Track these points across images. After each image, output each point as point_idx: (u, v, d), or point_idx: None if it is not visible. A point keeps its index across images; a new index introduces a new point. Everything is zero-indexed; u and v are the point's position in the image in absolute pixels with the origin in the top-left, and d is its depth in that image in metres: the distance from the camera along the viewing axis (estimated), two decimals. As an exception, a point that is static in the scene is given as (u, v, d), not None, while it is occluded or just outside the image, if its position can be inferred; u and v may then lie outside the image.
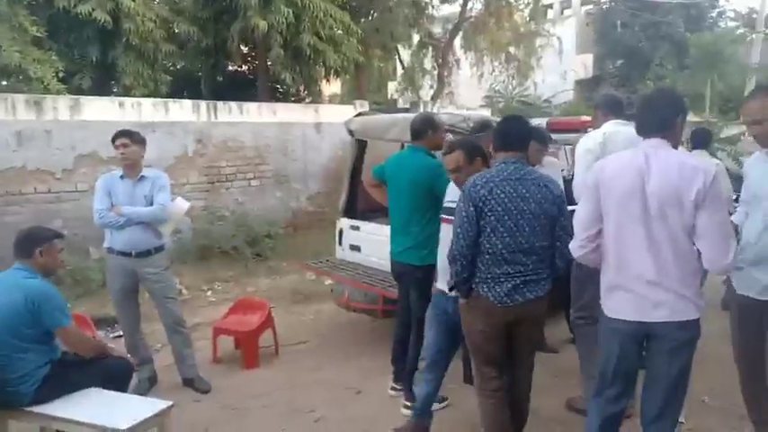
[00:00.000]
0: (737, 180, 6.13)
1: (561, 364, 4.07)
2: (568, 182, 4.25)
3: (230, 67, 13.08)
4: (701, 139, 5.53)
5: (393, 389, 3.76)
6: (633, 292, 2.27)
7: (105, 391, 2.88)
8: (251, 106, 8.77)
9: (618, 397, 2.42)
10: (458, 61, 16.91)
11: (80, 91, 9.18)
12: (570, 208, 2.67)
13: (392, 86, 19.02)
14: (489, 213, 2.53)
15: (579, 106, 16.93)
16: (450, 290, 2.81)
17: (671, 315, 2.23)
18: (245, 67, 13.35)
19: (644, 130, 2.35)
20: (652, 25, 21.06)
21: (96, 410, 2.69)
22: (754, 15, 19.01)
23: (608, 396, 2.43)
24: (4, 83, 9.02)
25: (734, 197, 5.37)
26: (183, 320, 3.92)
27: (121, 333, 4.00)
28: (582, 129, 5.59)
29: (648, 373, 2.36)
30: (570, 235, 2.52)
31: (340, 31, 11.45)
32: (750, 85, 15.32)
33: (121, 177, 3.70)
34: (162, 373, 3.98)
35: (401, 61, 17.13)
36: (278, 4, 10.11)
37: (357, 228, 5.04)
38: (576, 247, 2.44)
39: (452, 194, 2.95)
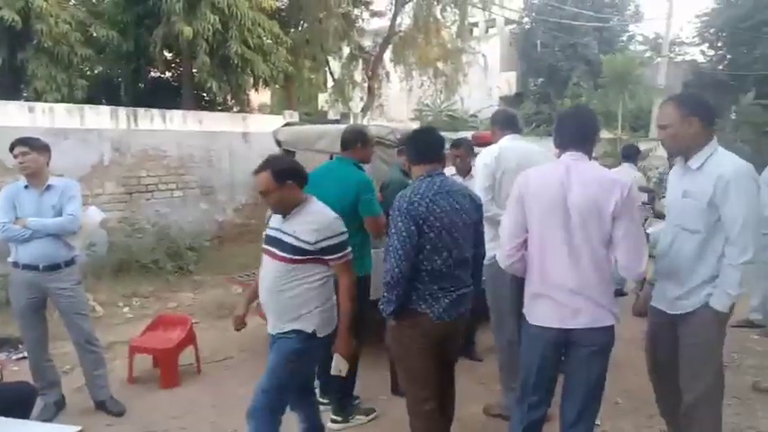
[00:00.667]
0: (646, 192, 6.62)
1: (486, 372, 4.17)
2: None
3: (153, 74, 12.61)
4: (630, 154, 6.19)
5: (320, 403, 3.70)
6: (555, 300, 2.37)
7: (4, 419, 2.65)
8: (175, 114, 8.47)
9: (539, 403, 2.50)
10: (387, 74, 17.14)
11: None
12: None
13: (322, 98, 18.99)
14: (428, 230, 2.45)
15: (503, 121, 17.52)
16: (380, 313, 2.64)
17: (591, 322, 2.34)
18: (168, 74, 12.92)
19: (564, 144, 2.47)
20: (569, 46, 22.30)
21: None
22: (660, 40, 20.56)
23: (530, 403, 2.50)
24: None
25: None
26: (95, 339, 3.68)
27: (26, 354, 3.71)
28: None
29: (567, 379, 2.46)
30: (482, 246, 2.66)
31: (269, 41, 11.32)
32: (657, 105, 16.54)
33: (26, 187, 3.44)
34: (72, 396, 3.73)
35: (331, 73, 17.15)
36: (203, 10, 9.87)
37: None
38: (503, 257, 2.52)
39: (275, 222, 2.70)
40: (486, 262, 2.84)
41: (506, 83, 23.87)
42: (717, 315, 2.43)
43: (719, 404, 2.57)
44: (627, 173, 6.00)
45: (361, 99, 17.29)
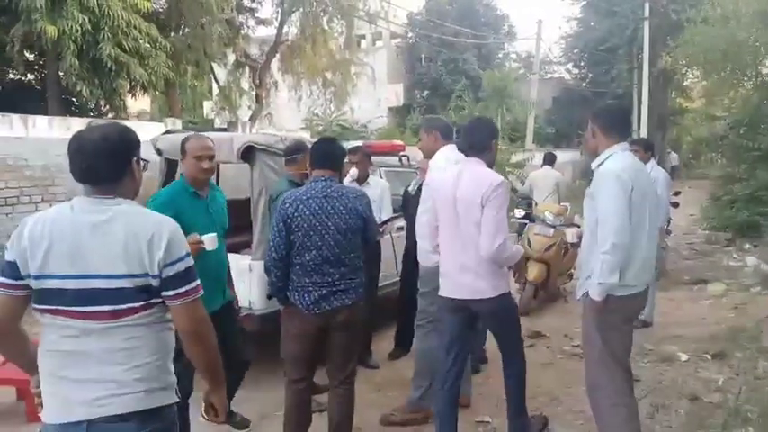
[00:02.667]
0: (523, 197, 7.18)
1: (382, 379, 4.20)
2: (413, 196, 4.46)
3: (11, 76, 11.43)
4: (551, 159, 7.86)
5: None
6: (451, 276, 2.95)
7: None
8: (38, 120, 7.72)
9: (455, 359, 3.03)
10: (276, 83, 16.92)
11: None
12: None
13: (208, 106, 18.31)
14: (296, 229, 2.75)
15: (392, 131, 18.04)
16: (269, 297, 3.10)
17: (471, 293, 2.90)
18: (30, 77, 11.78)
19: (463, 151, 3.03)
20: (451, 61, 23.42)
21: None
22: (531, 59, 22.23)
23: (450, 358, 3.02)
24: None
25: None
26: None
27: None
28: (394, 152, 5.95)
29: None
30: (369, 243, 2.98)
31: (147, 44, 10.72)
32: (531, 118, 17.84)
33: None
34: None
35: (216, 80, 16.60)
36: (70, 8, 9.13)
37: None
38: (427, 258, 3.21)
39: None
40: (435, 263, 3.17)
41: (394, 94, 24.52)
42: (592, 302, 2.66)
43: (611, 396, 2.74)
44: (547, 174, 7.64)
45: (249, 107, 16.89)
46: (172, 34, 12.65)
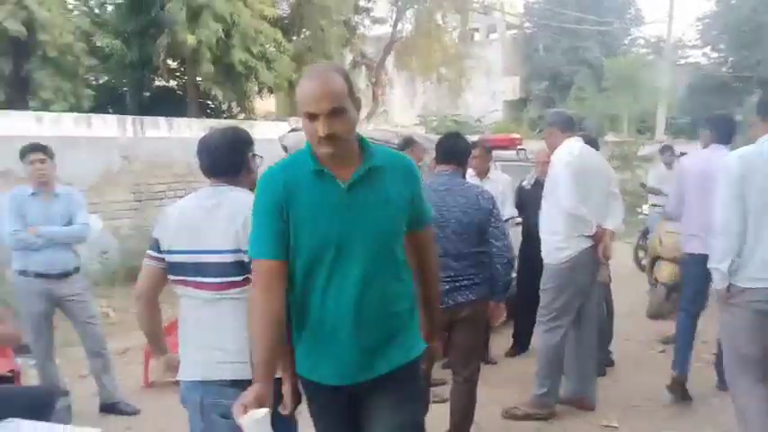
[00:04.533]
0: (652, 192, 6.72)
1: (500, 375, 4.16)
2: (528, 191, 4.42)
3: (158, 83, 12.68)
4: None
5: None
6: None
7: (26, 422, 2.66)
8: (180, 122, 8.52)
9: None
10: (391, 81, 17.21)
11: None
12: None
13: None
14: None
15: (508, 125, 17.64)
16: None
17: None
18: (173, 83, 12.99)
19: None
20: (571, 50, 22.36)
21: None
22: (662, 43, 20.60)
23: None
24: None
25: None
26: (104, 344, 3.69)
27: (35, 361, 3.72)
28: (511, 146, 5.84)
29: None
30: (499, 241, 2.79)
31: (272, 49, 11.39)
32: (662, 107, 16.56)
33: (32, 195, 3.45)
34: (90, 400, 3.73)
35: (335, 80, 17.22)
36: (206, 19, 9.94)
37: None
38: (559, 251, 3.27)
39: None
40: (563, 260, 3.18)
41: (510, 87, 23.94)
42: (716, 292, 2.67)
43: None
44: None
45: (365, 105, 17.36)
46: (294, 38, 13.33)
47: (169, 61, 11.57)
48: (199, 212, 1.92)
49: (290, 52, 11.82)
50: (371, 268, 1.62)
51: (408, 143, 4.13)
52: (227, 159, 1.97)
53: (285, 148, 5.28)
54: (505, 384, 3.98)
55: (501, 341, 4.67)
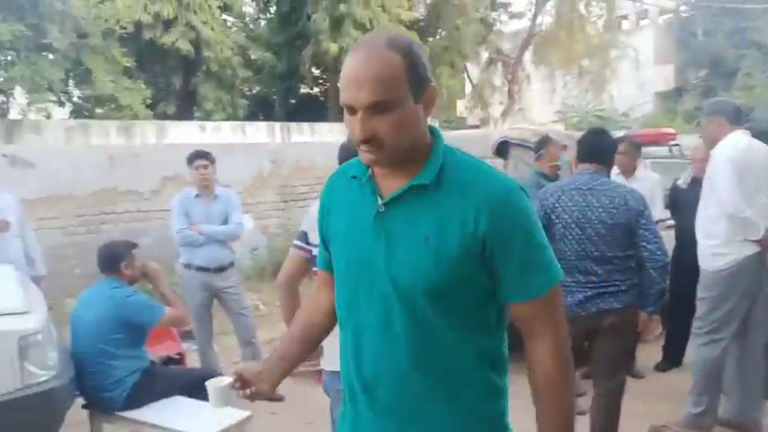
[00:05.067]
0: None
1: (647, 390, 3.85)
2: (684, 191, 4.06)
3: (303, 90, 13.54)
4: None
5: None
6: None
7: (189, 400, 2.99)
8: (322, 127, 9.00)
9: None
10: (528, 77, 16.67)
11: (165, 116, 9.79)
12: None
13: (461, 104, 19.00)
14: (557, 221, 2.62)
15: (659, 119, 16.22)
16: None
17: None
18: (316, 90, 13.79)
19: None
20: (737, 32, 19.91)
21: (181, 417, 2.79)
22: None
23: None
24: (99, 110, 9.76)
25: None
26: (254, 334, 4.02)
27: (197, 347, 4.15)
28: (662, 141, 5.35)
29: None
30: (652, 244, 2.54)
31: (408, 52, 11.62)
32: None
33: (196, 196, 3.87)
34: (239, 385, 4.09)
35: (470, 78, 17.10)
36: (347, 27, 10.42)
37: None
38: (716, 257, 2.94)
39: None
40: (723, 266, 2.89)
41: (662, 77, 21.97)
42: None
43: None
44: None
45: (501, 103, 17.01)
46: (430, 39, 13.46)
47: (313, 69, 12.31)
48: None
49: (425, 54, 11.96)
50: (387, 345, 1.16)
51: (545, 142, 3.98)
52: None
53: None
54: (653, 400, 3.67)
55: (650, 353, 4.31)
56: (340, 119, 10.64)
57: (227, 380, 1.57)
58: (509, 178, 1.20)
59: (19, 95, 9.61)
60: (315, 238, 2.05)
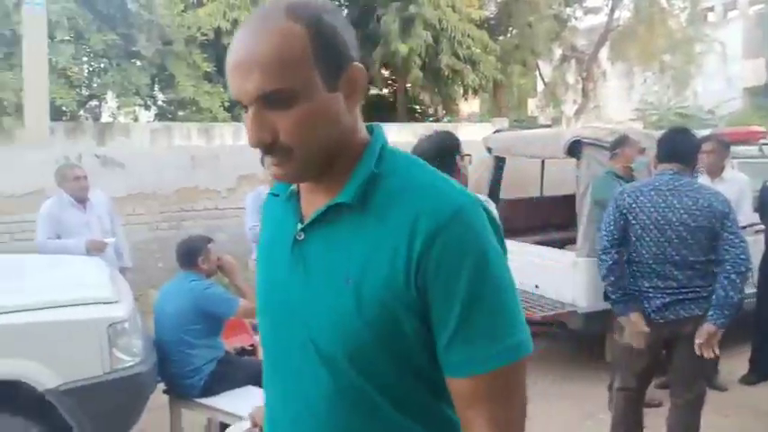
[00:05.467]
0: None
1: (731, 404, 3.64)
2: None
3: (372, 91, 13.70)
4: None
5: None
6: None
7: (260, 390, 3.12)
8: (391, 127, 9.08)
9: None
10: (604, 74, 16.07)
11: (241, 118, 10.20)
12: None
13: (532, 103, 18.57)
14: (634, 222, 2.56)
15: (748, 116, 15.18)
16: (606, 299, 2.92)
17: None
18: (385, 91, 13.90)
19: None
20: (840, 21, 18.29)
21: (252, 407, 2.91)
22: None
23: None
24: (181, 113, 10.30)
25: None
26: None
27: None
28: (751, 140, 5.02)
29: None
30: (735, 248, 2.40)
31: (478, 50, 11.50)
32: None
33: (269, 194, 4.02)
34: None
35: (542, 77, 16.69)
36: (417, 28, 10.43)
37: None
38: None
39: None
40: None
41: (752, 72, 20.52)
42: None
43: None
44: None
45: (574, 102, 16.48)
46: (500, 37, 13.25)
47: (383, 71, 12.41)
48: None
49: (495, 52, 11.79)
50: (304, 418, 0.86)
51: (621, 141, 3.83)
52: (431, 165, 2.08)
53: (489, 150, 5.30)
54: (737, 414, 3.48)
55: (735, 365, 4.07)
56: (409, 119, 10.75)
57: (245, 425, 1.63)
58: (464, 192, 0.84)
59: (110, 100, 10.31)
60: None
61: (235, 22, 10.32)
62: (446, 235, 0.77)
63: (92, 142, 6.83)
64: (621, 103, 16.75)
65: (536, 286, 4.49)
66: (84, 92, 9.88)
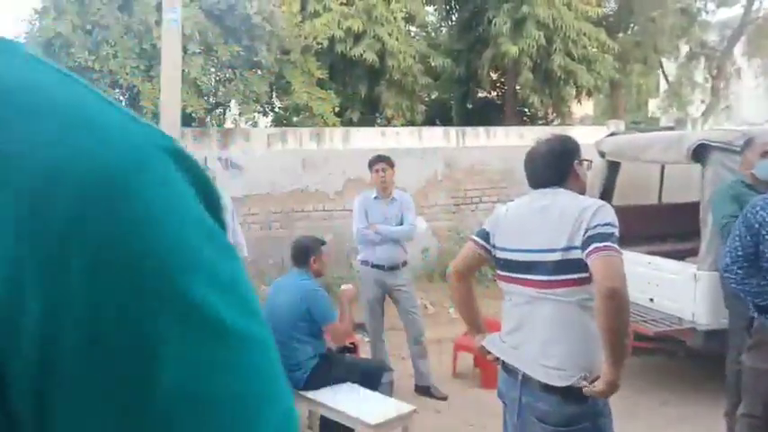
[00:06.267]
0: None
1: None
2: None
3: (480, 95, 13.54)
4: None
5: None
6: None
7: (360, 387, 3.22)
8: (498, 130, 8.93)
9: None
10: (738, 71, 14.64)
11: (350, 123, 10.52)
12: None
13: (654, 104, 17.36)
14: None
15: None
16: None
17: None
18: (493, 94, 13.68)
19: None
20: None
21: (351, 403, 3.02)
22: None
23: None
24: (295, 118, 10.86)
25: None
26: (423, 332, 4.15)
27: (368, 339, 4.42)
28: None
29: None
30: None
31: (594, 49, 10.97)
32: None
33: (375, 198, 4.12)
34: (405, 380, 4.27)
35: (665, 75, 15.55)
36: (529, 28, 10.17)
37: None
38: None
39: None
40: None
41: None
42: None
43: None
44: None
45: (702, 102, 15.18)
46: (620, 35, 12.54)
47: (491, 74, 12.24)
48: (528, 213, 2.00)
49: (613, 51, 11.18)
50: None
51: (745, 145, 3.46)
52: (550, 169, 2.02)
53: (602, 154, 5.05)
54: None
55: None
56: (516, 123, 10.48)
57: None
58: (138, 128, 0.33)
59: (233, 107, 11.11)
60: (499, 240, 2.04)
61: (348, 31, 10.71)
62: (93, 245, 0.28)
63: (216, 146, 7.41)
64: (759, 103, 15.15)
65: (650, 299, 4.22)
66: (212, 100, 10.74)
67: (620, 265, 1.72)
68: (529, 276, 1.90)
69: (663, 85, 16.13)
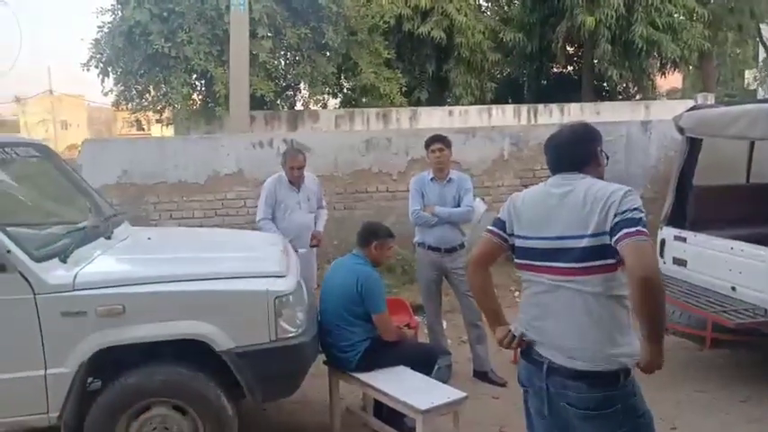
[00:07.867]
0: None
1: None
2: None
3: (554, 70, 12.97)
4: None
5: None
6: None
7: (412, 372, 3.19)
8: (573, 107, 8.54)
9: None
10: None
11: (418, 103, 10.39)
12: None
13: (750, 75, 15.96)
14: None
15: None
16: None
17: None
18: (569, 68, 13.08)
19: None
20: None
21: (403, 387, 2.99)
22: None
23: None
24: (363, 99, 10.87)
25: None
26: (480, 316, 4.03)
27: (426, 321, 4.36)
28: None
29: None
30: None
31: (681, 17, 10.19)
32: None
33: (431, 179, 4.03)
34: (464, 364, 4.19)
35: (763, 43, 14.22)
36: (608, -4, 9.60)
37: (683, 239, 4.42)
38: None
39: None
40: None
41: None
42: None
43: None
44: None
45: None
46: (711, 1, 11.56)
47: (567, 47, 11.68)
48: (549, 200, 1.93)
49: (703, 18, 10.33)
50: None
51: None
52: (571, 155, 1.98)
53: (681, 130, 4.67)
54: None
55: None
56: (592, 98, 9.99)
57: None
58: None
59: (303, 89, 11.28)
60: (517, 228, 1.97)
61: (415, 8, 10.51)
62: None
63: (286, 129, 7.57)
64: None
65: (732, 288, 3.89)
66: (281, 83, 10.95)
67: (652, 250, 1.72)
68: (552, 264, 1.87)
69: (761, 54, 14.77)
